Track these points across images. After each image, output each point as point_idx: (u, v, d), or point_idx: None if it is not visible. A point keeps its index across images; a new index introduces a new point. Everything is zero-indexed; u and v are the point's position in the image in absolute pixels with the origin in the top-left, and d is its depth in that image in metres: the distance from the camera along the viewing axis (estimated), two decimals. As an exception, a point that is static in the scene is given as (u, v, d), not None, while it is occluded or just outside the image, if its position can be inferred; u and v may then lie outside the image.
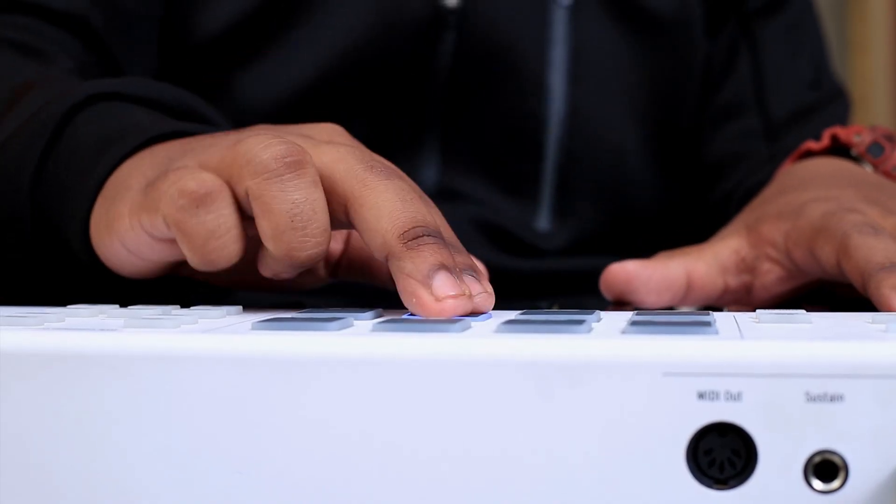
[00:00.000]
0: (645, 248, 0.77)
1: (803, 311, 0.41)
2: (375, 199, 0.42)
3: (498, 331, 0.35)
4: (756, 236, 0.58)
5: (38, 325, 0.38)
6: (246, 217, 0.45)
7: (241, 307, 0.45)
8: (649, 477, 0.32)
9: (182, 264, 0.50)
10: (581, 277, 0.73)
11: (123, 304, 0.45)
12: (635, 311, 0.43)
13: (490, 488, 0.33)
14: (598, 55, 0.74)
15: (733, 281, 0.58)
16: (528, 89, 0.72)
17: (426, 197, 0.46)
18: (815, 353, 0.32)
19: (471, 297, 0.41)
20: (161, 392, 0.34)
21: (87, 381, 0.34)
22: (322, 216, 0.43)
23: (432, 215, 0.43)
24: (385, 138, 0.48)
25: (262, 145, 0.43)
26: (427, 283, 0.40)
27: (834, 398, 0.32)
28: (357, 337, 0.34)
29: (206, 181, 0.44)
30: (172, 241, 0.46)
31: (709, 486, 0.32)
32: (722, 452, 0.32)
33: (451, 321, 0.37)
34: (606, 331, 0.36)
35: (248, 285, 0.53)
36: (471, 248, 0.69)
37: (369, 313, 0.41)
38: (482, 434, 0.33)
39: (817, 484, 0.32)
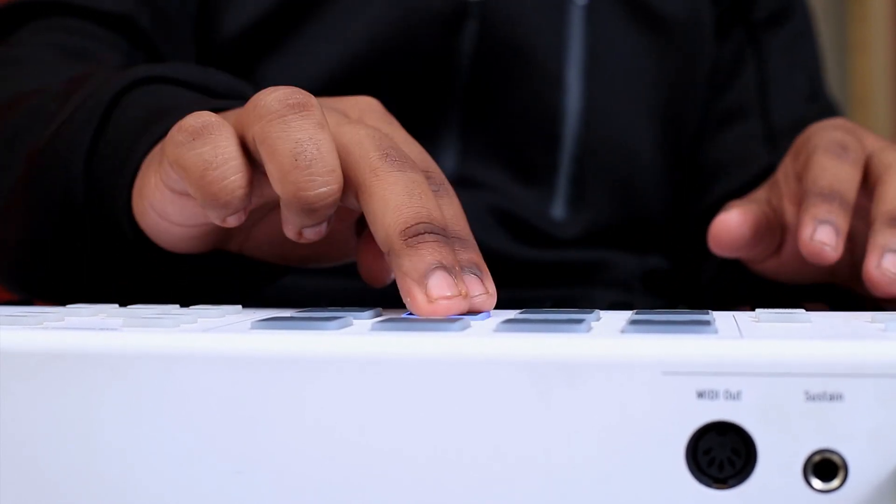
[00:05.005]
0: (655, 244, 0.78)
1: (803, 311, 0.41)
2: (383, 192, 0.42)
3: (497, 330, 0.35)
4: (773, 178, 0.58)
5: (37, 324, 0.38)
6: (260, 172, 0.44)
7: (240, 306, 0.45)
8: (649, 476, 0.32)
9: (227, 236, 0.50)
10: (593, 268, 0.74)
11: (123, 304, 0.45)
12: (634, 311, 0.43)
13: (489, 487, 0.33)
14: (613, 54, 0.75)
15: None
16: (546, 83, 0.73)
17: (446, 186, 0.46)
18: (815, 352, 0.32)
19: (467, 296, 0.40)
20: (160, 391, 0.34)
21: (86, 380, 0.34)
22: (328, 156, 0.42)
23: (441, 209, 0.43)
24: (406, 127, 0.48)
25: (269, 91, 0.43)
26: (422, 282, 0.40)
27: (833, 397, 0.32)
28: (356, 336, 0.34)
29: (204, 116, 0.44)
30: (190, 195, 0.46)
31: (708, 485, 0.32)
32: (721, 451, 0.32)
33: (451, 320, 0.37)
34: (606, 330, 0.36)
35: (292, 260, 0.53)
36: (487, 237, 0.70)
37: (368, 312, 0.41)
38: (481, 433, 0.33)
39: (817, 483, 0.32)
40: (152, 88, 0.54)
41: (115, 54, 0.67)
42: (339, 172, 0.42)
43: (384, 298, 0.47)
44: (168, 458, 0.34)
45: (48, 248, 0.55)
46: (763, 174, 0.73)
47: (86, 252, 0.54)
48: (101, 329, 0.36)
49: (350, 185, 0.43)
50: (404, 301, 0.40)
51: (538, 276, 0.73)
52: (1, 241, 0.58)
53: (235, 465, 0.33)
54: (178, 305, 0.45)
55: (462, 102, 0.73)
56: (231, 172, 0.43)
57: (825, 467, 0.32)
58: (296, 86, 0.44)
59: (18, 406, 0.34)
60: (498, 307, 0.43)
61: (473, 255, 0.43)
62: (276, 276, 0.55)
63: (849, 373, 0.32)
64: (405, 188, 0.42)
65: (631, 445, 0.32)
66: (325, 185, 0.42)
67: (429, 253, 0.41)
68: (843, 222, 0.50)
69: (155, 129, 0.50)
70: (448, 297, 0.40)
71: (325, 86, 0.70)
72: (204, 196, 0.43)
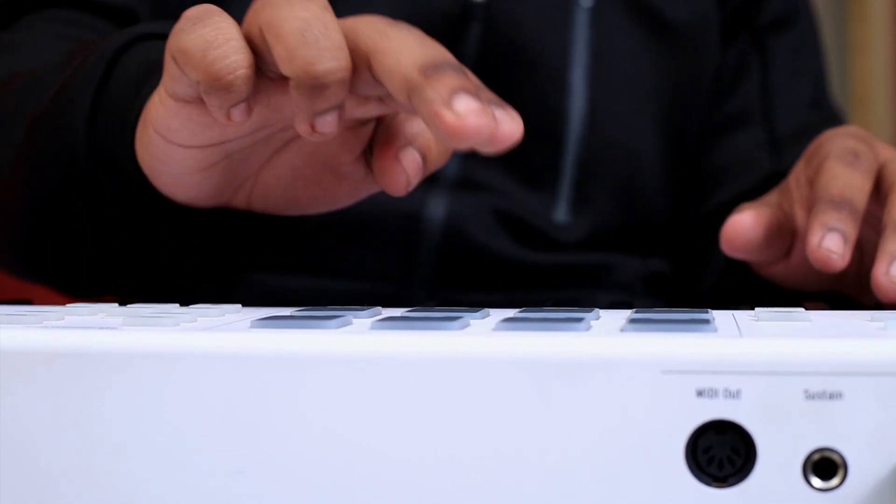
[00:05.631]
0: (656, 246, 0.78)
1: (802, 310, 0.41)
2: (395, 46, 0.42)
3: (496, 329, 0.35)
4: (784, 183, 0.58)
5: (37, 323, 0.38)
6: (273, 86, 0.44)
7: (239, 305, 0.45)
8: (648, 475, 0.32)
9: (235, 184, 0.50)
10: (594, 271, 0.74)
11: (122, 303, 0.46)
12: (634, 310, 0.43)
13: (488, 486, 0.33)
14: (618, 57, 0.75)
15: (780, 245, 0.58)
16: (550, 85, 0.73)
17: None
18: (814, 351, 0.32)
19: (495, 117, 0.39)
20: (160, 390, 0.34)
21: (86, 379, 0.34)
22: (335, 34, 0.42)
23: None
24: None
25: None
26: (448, 103, 0.39)
27: (833, 396, 0.32)
28: (356, 335, 0.34)
29: (206, 5, 0.44)
30: (198, 102, 0.45)
31: (708, 483, 0.32)
32: (721, 450, 0.32)
33: (450, 319, 0.37)
34: (605, 329, 0.36)
35: (303, 202, 0.53)
36: (489, 239, 0.70)
37: (368, 311, 0.41)
38: (481, 432, 0.33)
39: (816, 482, 0.32)
40: (153, 44, 0.54)
41: None
42: (346, 50, 0.42)
43: (384, 299, 0.47)
44: (168, 457, 0.34)
45: (51, 215, 0.55)
46: (766, 180, 0.73)
47: (89, 214, 0.54)
48: (101, 328, 0.36)
49: (361, 59, 0.43)
50: (432, 129, 0.39)
51: (540, 279, 0.73)
52: (2, 212, 0.58)
53: (235, 463, 0.34)
54: (177, 305, 0.45)
55: None
56: (233, 51, 0.43)
57: (825, 466, 0.32)
58: None
59: (18, 406, 0.34)
60: (499, 307, 0.43)
61: (491, 94, 0.42)
62: (282, 231, 0.54)
63: (848, 371, 0.32)
64: (417, 40, 0.42)
65: (630, 444, 0.32)
66: (333, 59, 0.42)
67: (451, 80, 0.40)
68: (851, 230, 0.50)
69: (155, 80, 0.50)
70: (477, 112, 0.39)
71: None
72: (206, 77, 0.43)
